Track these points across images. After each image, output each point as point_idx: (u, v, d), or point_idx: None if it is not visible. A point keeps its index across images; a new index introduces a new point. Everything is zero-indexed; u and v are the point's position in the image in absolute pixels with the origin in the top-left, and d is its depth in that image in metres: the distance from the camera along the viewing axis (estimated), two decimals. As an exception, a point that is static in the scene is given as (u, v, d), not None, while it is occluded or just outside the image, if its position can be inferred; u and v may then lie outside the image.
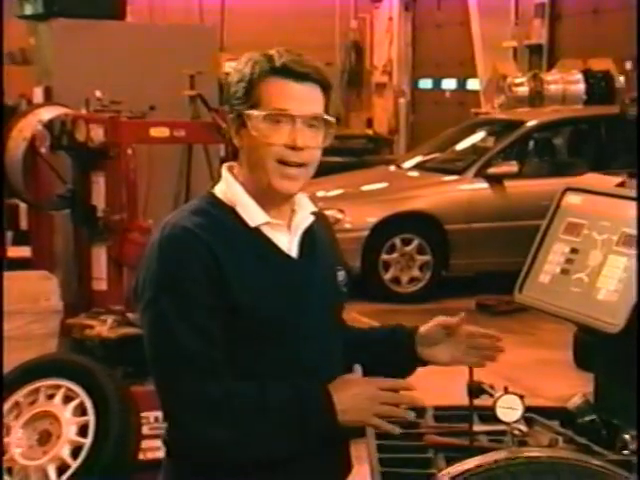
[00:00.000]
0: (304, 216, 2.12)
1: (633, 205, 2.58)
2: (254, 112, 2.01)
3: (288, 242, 2.09)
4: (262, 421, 1.97)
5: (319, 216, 2.23)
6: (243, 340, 2.02)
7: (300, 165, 2.02)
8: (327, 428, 1.98)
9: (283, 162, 2.01)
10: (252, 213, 2.06)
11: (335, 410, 1.96)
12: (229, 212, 2.07)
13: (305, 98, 2.02)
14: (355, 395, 1.98)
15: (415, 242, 8.63)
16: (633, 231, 2.51)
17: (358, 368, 2.08)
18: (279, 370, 2.04)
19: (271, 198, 2.07)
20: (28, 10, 7.13)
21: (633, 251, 2.48)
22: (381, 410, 1.98)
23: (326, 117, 2.04)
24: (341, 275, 2.19)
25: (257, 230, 2.06)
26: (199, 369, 1.96)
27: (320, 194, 8.30)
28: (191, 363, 1.96)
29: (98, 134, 4.73)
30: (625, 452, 2.40)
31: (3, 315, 4.47)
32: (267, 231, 2.07)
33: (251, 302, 2.00)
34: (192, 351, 1.96)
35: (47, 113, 5.52)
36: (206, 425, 1.97)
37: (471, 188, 8.84)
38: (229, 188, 2.09)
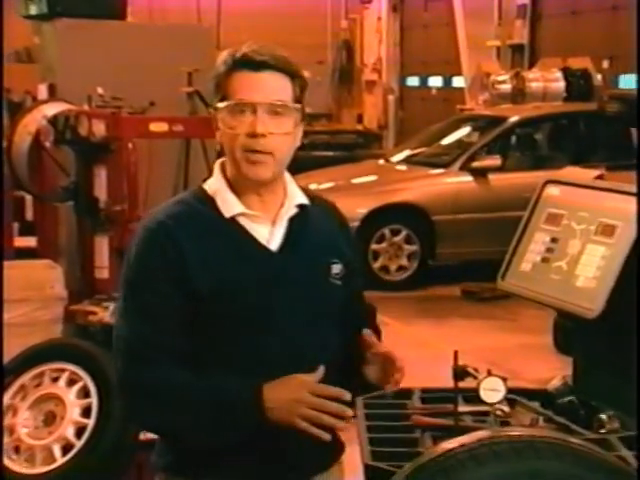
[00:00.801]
0: (289, 207, 2.06)
1: (610, 196, 2.59)
2: (219, 105, 2.00)
3: (268, 234, 2.03)
4: (188, 412, 1.96)
5: (326, 207, 2.18)
6: (207, 331, 2.00)
7: (266, 152, 1.97)
8: (255, 423, 1.93)
9: (248, 150, 1.97)
10: (228, 204, 2.02)
11: (263, 408, 1.91)
12: (210, 204, 2.04)
13: (265, 86, 1.97)
14: (284, 396, 1.92)
15: (403, 232, 8.64)
16: (610, 221, 2.51)
17: (321, 369, 1.99)
18: (241, 363, 2.00)
19: (248, 187, 2.02)
20: (33, 10, 7.11)
21: (610, 240, 2.49)
22: (306, 414, 1.90)
23: (289, 104, 1.99)
24: (336, 268, 2.10)
25: (233, 221, 2.02)
26: (143, 356, 1.97)
27: (312, 187, 8.30)
28: (136, 349, 1.97)
29: (100, 129, 4.72)
30: (602, 431, 2.41)
31: (3, 303, 4.47)
32: (244, 222, 2.02)
33: (214, 294, 1.97)
34: (138, 337, 1.98)
35: (51, 109, 5.51)
36: (139, 408, 2.02)
37: (456, 181, 8.85)
38: (215, 181, 2.07)
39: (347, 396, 1.92)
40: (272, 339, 2.01)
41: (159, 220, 2.02)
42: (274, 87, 1.98)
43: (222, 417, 1.94)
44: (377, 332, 2.22)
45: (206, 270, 1.98)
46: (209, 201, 2.04)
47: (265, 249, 2.03)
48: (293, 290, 2.04)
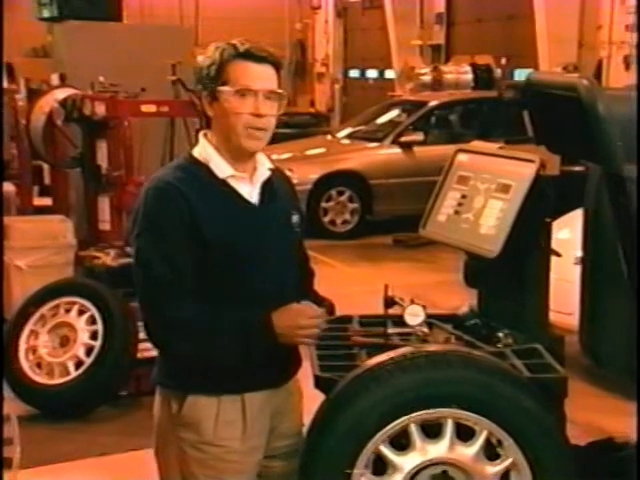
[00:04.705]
0: (262, 171, 2.06)
1: (507, 162, 2.58)
2: (225, 88, 1.95)
3: (249, 192, 2.03)
4: (216, 339, 1.95)
5: (279, 173, 2.15)
6: (213, 270, 1.97)
7: (262, 129, 1.97)
8: (269, 344, 1.95)
9: (249, 127, 1.96)
10: (221, 167, 2.00)
11: (274, 332, 1.95)
12: (203, 168, 2.01)
13: (264, 76, 1.97)
14: (288, 323, 1.95)
15: (347, 193, 8.61)
16: (506, 181, 2.50)
17: (306, 302, 2.03)
18: (240, 293, 1.98)
19: (239, 155, 2.01)
20: (46, 13, 7.02)
21: (506, 196, 2.48)
22: (303, 333, 1.97)
23: (279, 91, 1.99)
24: (295, 218, 2.11)
25: (224, 182, 2.00)
26: (168, 294, 1.93)
27: (274, 157, 8.19)
28: (162, 289, 1.93)
29: (101, 110, 4.63)
30: (499, 346, 2.42)
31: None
32: (233, 182, 2.01)
33: (217, 239, 1.95)
34: (162, 279, 1.93)
35: (61, 93, 5.41)
36: (172, 339, 1.97)
37: (388, 152, 8.82)
38: (204, 150, 2.03)
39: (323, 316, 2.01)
40: (263, 275, 2.01)
41: (167, 181, 1.98)
42: (269, 77, 1.98)
43: (244, 342, 1.94)
44: (312, 273, 2.27)
45: (210, 222, 1.95)
46: (203, 166, 2.01)
47: (249, 203, 2.02)
48: (273, 236, 2.04)
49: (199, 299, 1.96)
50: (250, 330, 1.95)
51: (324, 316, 2.02)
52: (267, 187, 2.05)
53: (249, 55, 1.95)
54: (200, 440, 2.00)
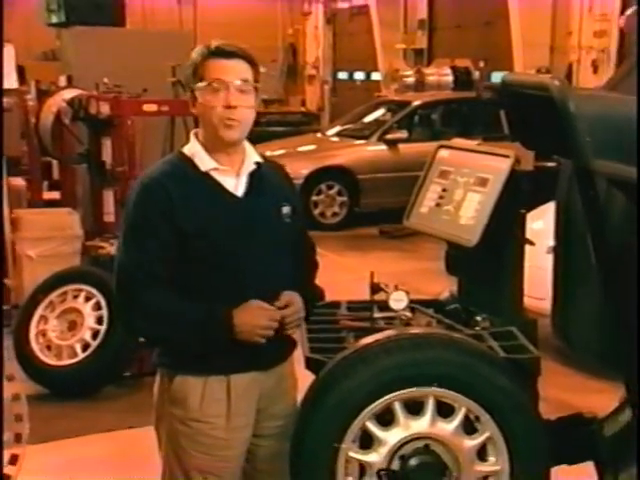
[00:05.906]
0: (249, 164, 2.03)
1: (484, 157, 2.57)
2: (199, 85, 1.95)
3: (235, 184, 2.00)
4: (174, 327, 1.94)
5: (273, 165, 2.13)
6: (193, 262, 1.95)
7: (237, 120, 1.95)
8: (226, 339, 1.93)
9: (224, 119, 1.94)
10: (204, 161, 1.99)
11: (233, 329, 1.92)
12: (189, 163, 1.99)
13: (234, 70, 1.95)
14: (247, 320, 1.93)
15: (336, 187, 8.59)
16: (484, 175, 2.50)
17: (283, 297, 2.00)
18: (228, 285, 1.96)
19: (221, 147, 1.99)
20: (54, 19, 7.02)
21: (484, 189, 2.47)
22: (263, 334, 1.94)
23: (249, 81, 1.97)
24: (285, 209, 2.06)
25: (208, 175, 1.98)
26: (139, 280, 1.92)
27: (268, 153, 8.13)
28: (134, 275, 1.92)
29: (105, 109, 4.60)
30: (477, 329, 2.42)
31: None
32: (216, 176, 1.99)
33: (199, 231, 1.93)
34: (137, 267, 1.92)
35: (69, 94, 5.38)
36: (135, 322, 1.97)
37: (375, 149, 8.80)
38: (192, 146, 2.02)
39: (286, 317, 1.99)
40: (250, 266, 1.98)
41: (152, 177, 1.96)
42: (241, 71, 1.96)
43: (200, 333, 1.93)
44: (316, 264, 2.20)
45: (190, 214, 1.93)
46: (188, 161, 1.99)
47: (234, 196, 1.99)
48: (257, 227, 2.00)
49: (177, 288, 1.93)
50: (208, 323, 1.92)
51: (291, 314, 1.97)
52: (255, 179, 2.02)
53: (219, 52, 1.94)
54: (187, 416, 1.99)
